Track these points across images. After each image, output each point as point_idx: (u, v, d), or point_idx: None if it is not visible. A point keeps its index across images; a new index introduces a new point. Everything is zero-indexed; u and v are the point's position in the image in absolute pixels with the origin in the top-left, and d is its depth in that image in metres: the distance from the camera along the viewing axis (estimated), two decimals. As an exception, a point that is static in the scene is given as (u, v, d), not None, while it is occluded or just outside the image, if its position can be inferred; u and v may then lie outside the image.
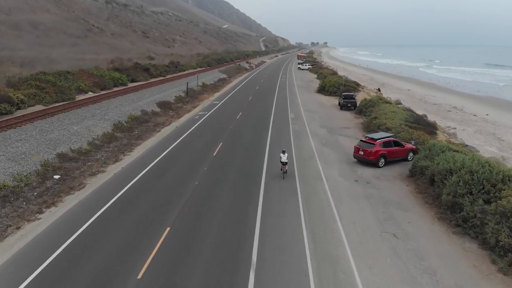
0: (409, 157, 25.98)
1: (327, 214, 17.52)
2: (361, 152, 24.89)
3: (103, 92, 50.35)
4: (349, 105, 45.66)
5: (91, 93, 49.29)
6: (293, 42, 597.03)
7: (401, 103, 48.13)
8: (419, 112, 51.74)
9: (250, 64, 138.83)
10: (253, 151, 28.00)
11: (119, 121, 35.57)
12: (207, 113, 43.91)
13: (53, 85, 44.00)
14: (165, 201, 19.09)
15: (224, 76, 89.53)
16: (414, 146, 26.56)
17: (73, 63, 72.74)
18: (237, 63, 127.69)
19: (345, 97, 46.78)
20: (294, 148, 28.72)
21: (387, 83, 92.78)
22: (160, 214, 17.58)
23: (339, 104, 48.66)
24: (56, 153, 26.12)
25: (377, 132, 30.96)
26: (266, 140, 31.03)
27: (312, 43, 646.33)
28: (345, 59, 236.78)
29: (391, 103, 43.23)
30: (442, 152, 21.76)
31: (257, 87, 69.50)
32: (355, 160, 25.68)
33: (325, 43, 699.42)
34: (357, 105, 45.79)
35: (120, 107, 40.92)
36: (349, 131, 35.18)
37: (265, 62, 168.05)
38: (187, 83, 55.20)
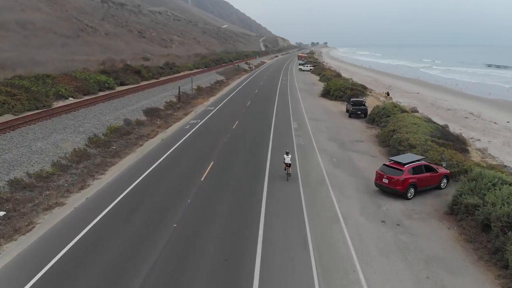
0: (442, 184, 20.91)
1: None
2: (385, 180, 19.79)
3: (85, 98, 45.17)
4: (359, 112, 40.58)
5: (71, 99, 44.11)
6: (293, 42, 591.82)
7: (417, 111, 43.01)
8: (435, 119, 46.81)
9: (249, 65, 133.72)
10: (249, 176, 22.91)
11: (95, 134, 30.46)
12: (200, 122, 38.80)
13: (26, 90, 38.88)
14: (129, 256, 14.00)
15: (222, 78, 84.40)
16: (448, 170, 21.48)
17: (60, 64, 67.72)
18: (236, 64, 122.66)
19: (354, 104, 41.68)
20: (299, 170, 23.60)
21: (394, 85, 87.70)
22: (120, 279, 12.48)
23: (347, 111, 43.59)
24: (8, 180, 21.06)
25: (398, 149, 25.86)
26: (266, 159, 25.93)
27: (312, 43, 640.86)
28: (346, 59, 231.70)
29: (407, 111, 38.09)
30: (494, 185, 16.70)
31: (256, 91, 64.41)
32: (376, 187, 20.60)
33: (325, 43, 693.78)
34: (368, 112, 40.73)
35: (100, 116, 35.79)
36: (363, 145, 30.07)
37: (265, 62, 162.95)
38: (179, 87, 50.08)
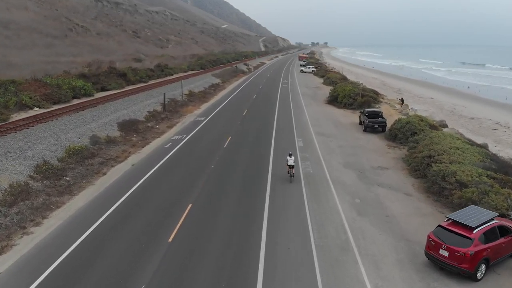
0: (520, 250, 14.06)
1: None
2: (443, 252, 12.89)
3: (55, 107, 38.26)
4: (376, 126, 33.67)
5: (37, 109, 37.26)
6: (293, 42, 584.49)
7: (446, 125, 36.07)
8: (460, 129, 39.91)
9: (248, 66, 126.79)
10: (240, 227, 16.05)
11: (45, 160, 23.56)
12: (185, 138, 31.92)
13: (-24, 100, 32.07)
14: None
15: (218, 81, 77.50)
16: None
17: (38, 67, 60.85)
18: (234, 65, 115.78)
19: (370, 115, 34.77)
20: (310, 223, 16.64)
21: (403, 88, 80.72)
22: None
23: (361, 123, 36.72)
24: None
25: (440, 186, 18.98)
26: (264, 201, 19.01)
27: (313, 43, 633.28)
28: (348, 59, 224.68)
29: (436, 126, 31.19)
30: None
31: (254, 96, 57.50)
32: (427, 258, 13.73)
33: (326, 43, 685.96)
34: (387, 125, 33.86)
35: (61, 133, 28.89)
36: (389, 175, 23.17)
37: (265, 63, 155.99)
38: (164, 94, 43.12)
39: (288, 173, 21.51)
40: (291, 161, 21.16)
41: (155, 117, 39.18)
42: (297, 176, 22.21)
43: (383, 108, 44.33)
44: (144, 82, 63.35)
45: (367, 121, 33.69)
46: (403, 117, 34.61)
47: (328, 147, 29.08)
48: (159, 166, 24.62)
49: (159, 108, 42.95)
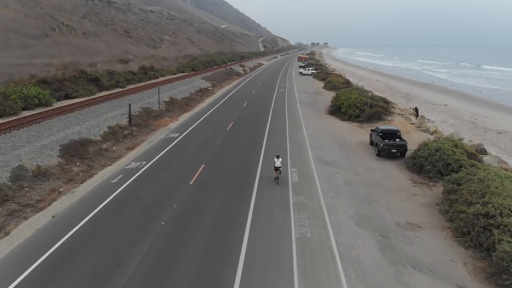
0: None
1: None
2: None
3: (-9, 122, 30.51)
4: (394, 151, 25.77)
5: (-34, 125, 29.49)
6: (293, 42, 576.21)
7: (485, 150, 28.10)
8: (491, 149, 32.04)
9: (244, 67, 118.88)
10: None
11: None
12: (143, 167, 24.06)
13: None
14: None
15: (208, 84, 69.60)
16: None
17: (4, 70, 53.38)
18: (229, 67, 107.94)
19: (385, 135, 26.87)
20: None
21: (412, 93, 72.80)
22: None
23: (372, 143, 28.90)
24: None
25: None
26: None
27: (312, 43, 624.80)
28: (348, 60, 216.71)
29: (474, 153, 23.30)
30: None
31: (244, 104, 49.65)
32: None
33: (326, 43, 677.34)
34: (407, 147, 25.98)
35: (-33, 165, 21.06)
36: (426, 240, 15.18)
37: (262, 64, 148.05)
38: (130, 105, 35.15)
39: (275, 179, 20.75)
40: (278, 162, 20.49)
41: (115, 134, 31.27)
42: (287, 243, 14.36)
43: (396, 122, 36.43)
44: (121, 87, 55.49)
45: (381, 144, 25.75)
46: (429, 137, 26.77)
47: (333, 184, 21.17)
48: (89, 219, 16.81)
49: (125, 121, 35.08)
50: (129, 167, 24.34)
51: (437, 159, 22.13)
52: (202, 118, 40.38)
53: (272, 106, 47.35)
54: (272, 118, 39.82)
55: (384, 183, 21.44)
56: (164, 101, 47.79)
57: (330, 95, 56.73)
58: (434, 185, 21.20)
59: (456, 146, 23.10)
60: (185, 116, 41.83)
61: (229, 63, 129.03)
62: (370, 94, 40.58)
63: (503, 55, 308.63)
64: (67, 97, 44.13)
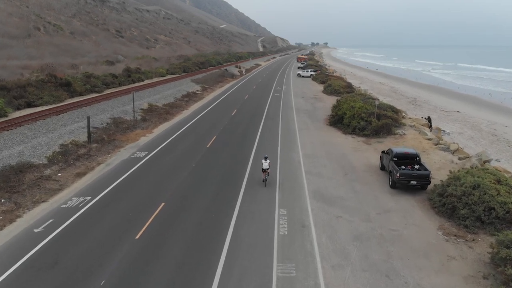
0: None
1: None
2: None
3: None
4: (414, 183, 19.70)
5: None
6: (292, 42, 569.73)
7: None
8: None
9: (239, 68, 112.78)
10: None
11: None
12: (87, 204, 18.10)
13: None
14: None
15: (197, 88, 63.58)
16: None
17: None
18: (224, 68, 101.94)
19: (400, 159, 20.88)
20: None
21: (419, 97, 66.79)
22: None
23: (383, 167, 22.91)
24: None
25: None
26: None
27: (312, 44, 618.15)
28: (349, 61, 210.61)
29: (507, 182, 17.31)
30: None
31: (233, 112, 43.65)
32: None
33: (326, 43, 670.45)
34: (430, 179, 19.92)
35: None
36: None
37: (260, 65, 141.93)
38: (88, 118, 28.98)
39: (263, 180, 20.47)
40: (265, 164, 20.26)
41: (67, 155, 25.22)
42: None
43: (410, 137, 30.38)
44: (98, 92, 49.53)
45: (397, 174, 19.67)
46: (452, 159, 20.76)
47: (336, 239, 15.09)
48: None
49: (85, 137, 29.04)
50: (67, 205, 18.37)
51: (476, 201, 16.14)
52: (181, 131, 34.36)
53: (264, 115, 41.30)
54: (263, 131, 33.77)
55: (405, 236, 15.40)
56: (142, 109, 41.80)
57: (330, 101, 50.76)
58: (474, 240, 15.20)
59: (499, 181, 17.08)
60: (162, 128, 35.79)
61: (224, 64, 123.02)
62: (377, 102, 34.44)
63: (504, 56, 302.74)
64: (29, 105, 38.19)
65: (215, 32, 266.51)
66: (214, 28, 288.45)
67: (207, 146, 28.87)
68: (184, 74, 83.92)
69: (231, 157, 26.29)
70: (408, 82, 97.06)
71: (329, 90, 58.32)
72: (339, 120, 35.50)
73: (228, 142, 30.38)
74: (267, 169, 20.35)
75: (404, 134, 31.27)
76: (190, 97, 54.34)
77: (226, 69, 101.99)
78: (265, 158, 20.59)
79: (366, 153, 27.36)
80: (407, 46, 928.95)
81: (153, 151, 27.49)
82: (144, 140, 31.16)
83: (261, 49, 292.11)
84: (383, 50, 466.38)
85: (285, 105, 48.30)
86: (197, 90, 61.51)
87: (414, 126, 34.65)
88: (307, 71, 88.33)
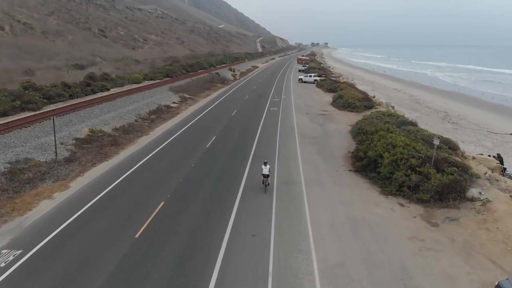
0: None
1: None
2: None
3: None
4: None
5: None
6: (292, 42, 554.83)
7: None
8: None
9: (234, 72, 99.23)
10: None
11: None
12: None
13: None
14: None
15: (174, 99, 50.04)
16: None
17: None
18: (215, 72, 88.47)
19: None
20: None
21: (449, 110, 53.19)
22: None
23: None
24: None
25: None
26: None
27: (312, 44, 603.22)
28: (352, 62, 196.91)
29: None
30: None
31: (210, 141, 30.02)
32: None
33: (326, 43, 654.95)
34: None
35: None
36: None
37: (257, 67, 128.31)
38: None
39: (263, 183, 19.58)
40: (265, 170, 19.35)
41: None
42: None
43: (501, 211, 16.75)
44: (33, 109, 36.06)
45: None
46: None
47: None
48: None
49: None
50: None
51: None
52: (117, 182, 20.87)
53: (253, 149, 27.63)
54: (245, 192, 20.06)
55: None
56: (76, 139, 28.28)
57: (345, 120, 37.28)
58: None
59: None
60: (92, 175, 22.25)
61: (218, 67, 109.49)
62: (437, 142, 20.54)
63: (508, 56, 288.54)
64: None
65: (212, 32, 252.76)
66: (211, 28, 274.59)
67: (136, 236, 15.33)
68: (167, 79, 70.46)
69: (183, 259, 12.81)
70: (424, 88, 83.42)
71: (341, 103, 44.75)
72: (369, 165, 21.90)
73: (181, 220, 16.81)
74: (268, 175, 19.15)
75: (488, 200, 17.72)
76: (159, 114, 40.75)
77: (217, 73, 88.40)
78: (265, 163, 19.34)
79: (444, 258, 13.75)
80: (406, 46, 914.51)
81: (35, 247, 14.04)
82: (42, 209, 17.71)
83: (260, 50, 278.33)
84: (383, 50, 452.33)
85: (284, 127, 34.65)
86: (174, 102, 47.95)
87: (489, 176, 21.05)
88: (310, 76, 74.61)
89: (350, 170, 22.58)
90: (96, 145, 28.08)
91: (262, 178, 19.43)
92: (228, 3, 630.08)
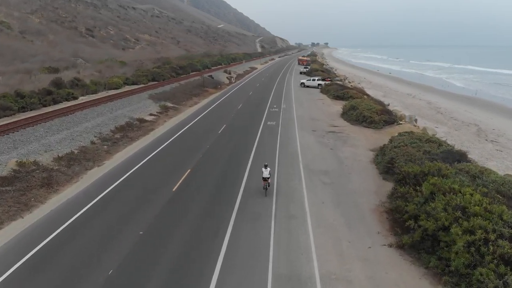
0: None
1: None
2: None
3: None
4: None
5: None
6: (292, 42, 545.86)
7: None
8: None
9: (229, 74, 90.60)
10: None
11: None
12: None
13: None
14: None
15: (152, 110, 41.44)
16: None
17: None
18: (208, 74, 79.93)
19: None
20: None
21: (480, 123, 44.60)
22: None
23: None
24: None
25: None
26: None
27: (313, 44, 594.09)
28: (354, 62, 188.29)
29: None
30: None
31: (185, 174, 21.43)
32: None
33: (326, 43, 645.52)
34: None
35: None
36: None
37: (256, 69, 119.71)
38: None
39: (264, 187, 18.36)
40: (266, 173, 18.16)
41: None
42: None
43: None
44: (-41, 128, 27.54)
45: None
46: None
47: None
48: None
49: None
50: None
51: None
52: (26, 259, 12.29)
53: (239, 197, 18.93)
54: (223, 273, 11.62)
55: None
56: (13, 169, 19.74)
57: (362, 139, 28.76)
58: None
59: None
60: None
61: (213, 68, 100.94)
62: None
63: (506, 56, 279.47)
64: None
65: (210, 32, 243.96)
66: (209, 28, 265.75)
67: None
68: (153, 83, 61.96)
69: None
70: (438, 92, 74.76)
71: (354, 116, 36.10)
72: (425, 240, 13.25)
73: None
74: (268, 177, 18.00)
75: None
76: (127, 132, 32.13)
77: (211, 76, 79.78)
78: (265, 166, 18.21)
79: None
80: (406, 46, 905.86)
81: None
82: None
83: (259, 50, 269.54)
84: (383, 50, 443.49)
85: (285, 154, 25.95)
86: (151, 114, 39.34)
87: None
88: (314, 80, 65.93)
89: (391, 246, 13.95)
90: (19, 187, 19.52)
91: (263, 182, 18.31)
92: (227, 3, 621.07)
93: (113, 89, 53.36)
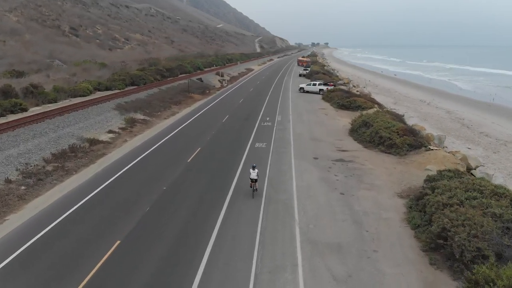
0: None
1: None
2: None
3: None
4: None
5: None
6: (292, 42, 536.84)
7: None
8: None
9: (222, 76, 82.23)
10: None
11: None
12: None
13: None
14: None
15: (113, 126, 33.04)
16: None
17: None
18: (197, 77, 71.41)
19: None
20: None
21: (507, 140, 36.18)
22: None
23: None
24: None
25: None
26: None
27: (313, 44, 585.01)
28: (356, 63, 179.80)
29: None
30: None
31: (126, 231, 13.09)
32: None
33: (326, 43, 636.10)
34: None
35: None
36: None
37: (252, 70, 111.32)
38: None
39: (251, 187, 17.99)
40: (253, 174, 17.66)
41: None
42: None
43: None
44: None
45: None
46: None
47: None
48: None
49: None
50: None
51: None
52: None
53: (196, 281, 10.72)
54: None
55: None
56: None
57: (383, 174, 20.33)
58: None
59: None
60: None
61: (206, 70, 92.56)
62: None
63: (506, 57, 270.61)
64: None
65: (207, 31, 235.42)
66: (206, 27, 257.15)
67: None
68: (131, 88, 53.61)
69: None
70: (453, 98, 66.30)
71: (367, 136, 27.65)
72: None
73: None
74: (256, 179, 17.56)
75: None
76: (66, 160, 23.69)
77: (200, 79, 71.50)
78: (253, 167, 17.64)
79: None
80: (406, 46, 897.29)
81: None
82: None
83: (258, 50, 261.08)
84: (383, 50, 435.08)
85: (274, 210, 17.48)
86: (110, 131, 30.92)
87: None
88: (314, 84, 57.41)
89: None
90: None
91: (250, 182, 17.72)
92: (227, 3, 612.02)
93: (80, 96, 45.02)
